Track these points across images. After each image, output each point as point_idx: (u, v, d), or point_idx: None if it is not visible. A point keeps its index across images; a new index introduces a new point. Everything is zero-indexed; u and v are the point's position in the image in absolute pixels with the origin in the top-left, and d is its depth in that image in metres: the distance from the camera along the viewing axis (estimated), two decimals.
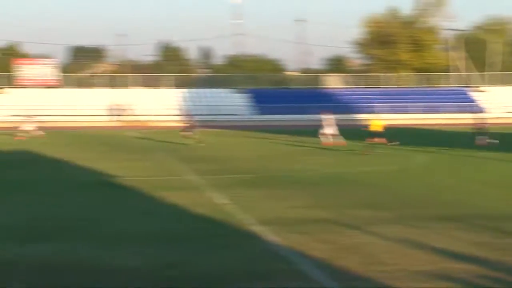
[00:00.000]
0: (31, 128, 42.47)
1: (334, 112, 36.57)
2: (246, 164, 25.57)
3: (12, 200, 16.67)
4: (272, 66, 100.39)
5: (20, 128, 42.27)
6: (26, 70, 72.45)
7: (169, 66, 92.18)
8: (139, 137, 42.94)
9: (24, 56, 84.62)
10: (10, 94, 68.67)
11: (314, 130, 37.64)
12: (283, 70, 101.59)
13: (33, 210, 15.05)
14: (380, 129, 30.74)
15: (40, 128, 43.12)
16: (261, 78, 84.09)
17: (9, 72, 72.84)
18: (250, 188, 18.56)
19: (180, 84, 76.31)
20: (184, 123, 36.86)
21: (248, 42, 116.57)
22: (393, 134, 32.43)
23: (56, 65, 76.22)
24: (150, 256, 10.60)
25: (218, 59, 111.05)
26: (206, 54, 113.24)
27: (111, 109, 66.82)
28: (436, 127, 56.43)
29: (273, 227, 12.54)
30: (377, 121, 31.34)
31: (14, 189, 18.79)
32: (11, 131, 42.52)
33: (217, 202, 15.87)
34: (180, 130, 37.18)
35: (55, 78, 73.24)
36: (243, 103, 71.87)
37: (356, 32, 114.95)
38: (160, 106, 66.89)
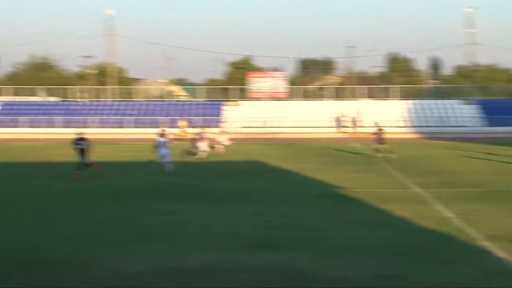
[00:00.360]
0: (225, 141, 43.88)
1: None
2: (472, 177, 24.63)
3: (241, 208, 17.47)
4: (507, 76, 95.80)
5: (216, 141, 43.73)
6: (258, 83, 75.66)
7: (396, 77, 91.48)
8: (363, 149, 42.98)
9: (257, 69, 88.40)
10: (244, 106, 72.07)
11: None
12: None
13: (261, 219, 15.64)
14: None
15: (232, 141, 44.39)
16: (493, 88, 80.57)
17: (242, 85, 76.60)
18: (477, 202, 17.92)
19: (407, 95, 75.35)
20: (375, 135, 36.28)
21: (480, 52, 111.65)
22: None
23: (285, 78, 78.82)
24: (371, 267, 10.64)
25: (447, 70, 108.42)
26: (435, 64, 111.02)
27: (337, 121, 67.71)
28: None
29: (503, 243, 12.06)
30: None
31: (242, 198, 19.72)
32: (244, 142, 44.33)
33: (444, 216, 15.54)
34: (372, 142, 36.81)
35: (284, 91, 75.72)
36: (472, 115, 69.29)
37: None
38: (387, 117, 66.42)
